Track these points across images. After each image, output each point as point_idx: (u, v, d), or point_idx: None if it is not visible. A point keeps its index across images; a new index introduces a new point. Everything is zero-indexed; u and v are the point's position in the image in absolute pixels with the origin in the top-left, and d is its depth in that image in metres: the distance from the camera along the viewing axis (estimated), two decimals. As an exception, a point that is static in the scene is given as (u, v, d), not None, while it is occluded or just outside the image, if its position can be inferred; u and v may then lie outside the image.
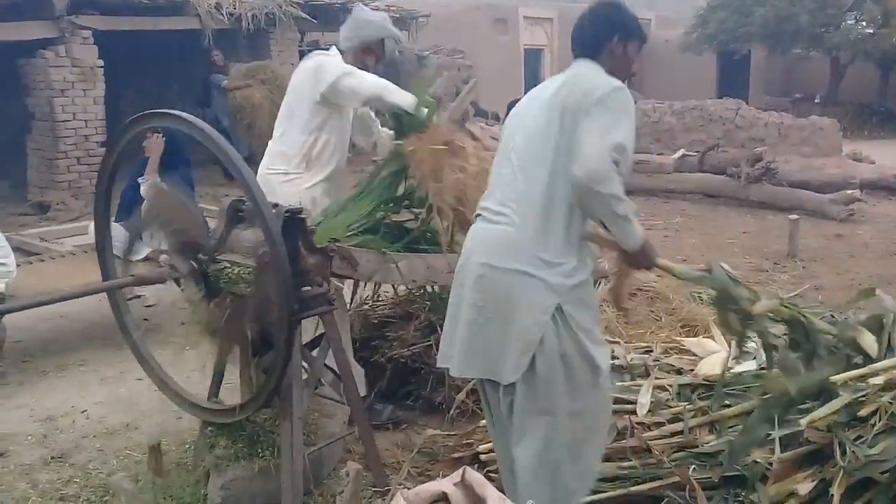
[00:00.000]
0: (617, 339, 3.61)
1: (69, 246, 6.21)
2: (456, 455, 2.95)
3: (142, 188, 4.88)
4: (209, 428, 2.87)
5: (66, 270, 4.86)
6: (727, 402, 2.82)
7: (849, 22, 16.59)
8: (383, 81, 3.37)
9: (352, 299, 3.62)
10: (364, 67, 3.49)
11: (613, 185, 2.13)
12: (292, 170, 3.51)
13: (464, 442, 3.01)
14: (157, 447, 2.97)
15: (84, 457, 3.15)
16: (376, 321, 3.55)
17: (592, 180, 2.12)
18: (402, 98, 3.31)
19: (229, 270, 2.76)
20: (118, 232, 4.62)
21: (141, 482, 2.90)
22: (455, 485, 1.89)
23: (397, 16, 12.64)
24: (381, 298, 3.69)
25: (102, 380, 3.93)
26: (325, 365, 2.97)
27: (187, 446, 3.07)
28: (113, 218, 4.19)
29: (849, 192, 8.14)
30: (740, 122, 11.11)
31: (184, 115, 2.69)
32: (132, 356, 3.05)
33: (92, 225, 6.22)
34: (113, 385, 3.84)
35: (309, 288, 2.70)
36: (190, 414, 3.01)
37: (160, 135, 4.84)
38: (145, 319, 4.39)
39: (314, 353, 2.95)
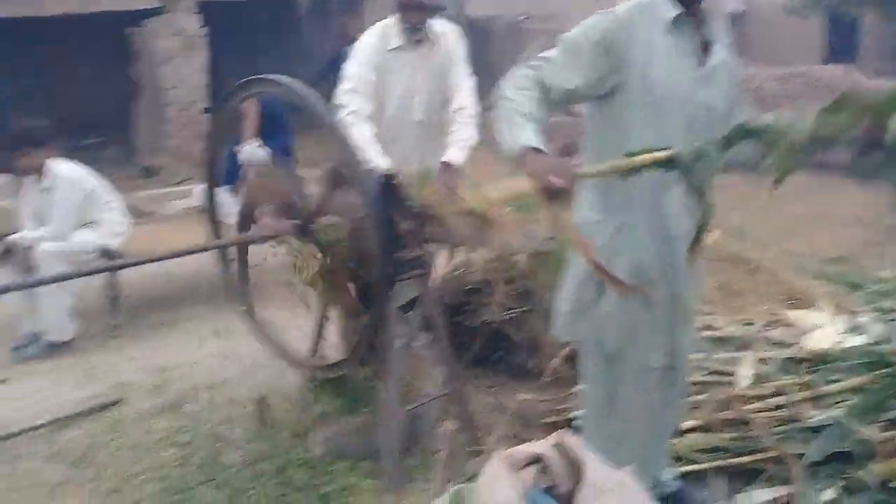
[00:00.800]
0: (715, 311, 3.53)
1: (175, 208, 6.53)
2: (549, 420, 2.97)
3: (241, 154, 5.03)
4: (312, 383, 2.97)
5: (172, 231, 5.10)
6: (834, 377, 2.73)
7: (971, -19, 15.38)
8: (346, 109, 3.27)
9: (448, 263, 3.65)
10: (413, 28, 3.36)
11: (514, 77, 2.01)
12: None
13: (557, 407, 3.02)
14: (263, 400, 3.11)
15: (195, 407, 3.31)
16: (469, 286, 3.57)
17: None
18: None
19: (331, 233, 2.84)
20: (221, 196, 4.82)
21: (249, 432, 3.04)
22: (552, 448, 1.90)
23: (490, -19, 12.48)
24: (474, 263, 3.70)
25: (210, 335, 4.10)
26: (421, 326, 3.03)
27: (291, 401, 3.19)
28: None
29: (970, 162, 7.62)
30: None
31: (285, 79, 2.76)
32: (240, 312, 3.19)
33: (196, 188, 6.52)
34: (220, 340, 3.99)
35: (404, 251, 2.76)
36: (293, 369, 3.13)
37: (255, 100, 4.96)
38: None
39: (410, 314, 3.01)
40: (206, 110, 8.38)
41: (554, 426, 2.83)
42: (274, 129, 5.10)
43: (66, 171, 4.36)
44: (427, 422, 3.04)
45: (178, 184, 7.71)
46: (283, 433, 3.00)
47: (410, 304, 3.09)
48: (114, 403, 3.37)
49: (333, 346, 3.14)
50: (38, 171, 4.28)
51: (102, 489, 2.78)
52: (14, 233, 4.30)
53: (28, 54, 9.59)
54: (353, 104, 3.33)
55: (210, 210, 3.37)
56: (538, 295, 3.30)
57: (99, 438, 3.10)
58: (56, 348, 4.15)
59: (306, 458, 2.87)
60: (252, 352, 3.43)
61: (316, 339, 3.04)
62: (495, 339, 3.43)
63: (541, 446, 1.93)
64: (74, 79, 9.81)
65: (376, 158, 3.21)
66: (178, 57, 8.59)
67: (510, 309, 3.36)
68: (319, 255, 2.93)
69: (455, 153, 3.42)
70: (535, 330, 3.29)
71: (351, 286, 2.95)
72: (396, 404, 2.75)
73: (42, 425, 3.18)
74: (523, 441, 2.81)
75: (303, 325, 3.14)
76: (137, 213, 5.99)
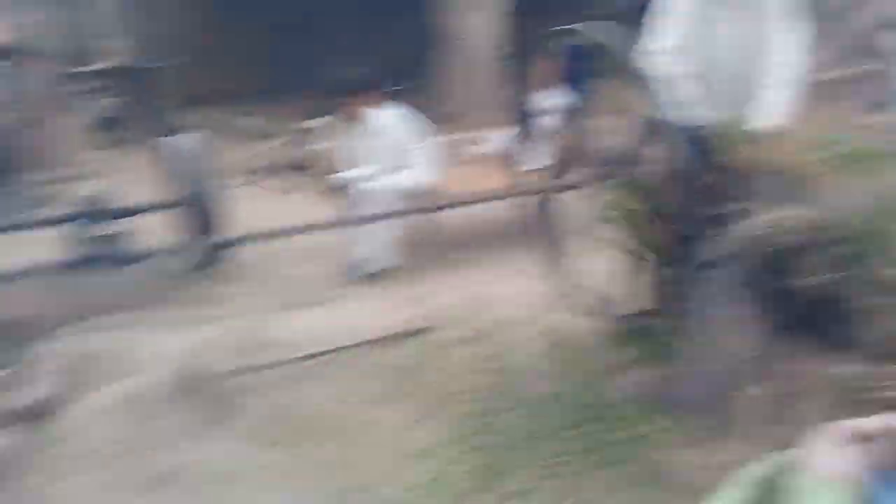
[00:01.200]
0: None
1: (472, 153, 6.86)
2: (875, 396, 2.73)
3: (540, 102, 5.15)
4: (614, 331, 3.02)
5: (471, 174, 5.38)
6: None
7: None
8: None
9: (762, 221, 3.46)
10: None
11: None
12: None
13: (886, 383, 2.77)
14: (562, 342, 3.22)
15: (502, 339, 3.50)
16: (787, 246, 3.36)
17: None
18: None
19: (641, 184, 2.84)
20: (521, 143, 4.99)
21: (550, 369, 3.18)
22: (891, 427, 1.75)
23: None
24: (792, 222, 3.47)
25: (515, 274, 4.23)
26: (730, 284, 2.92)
27: (591, 345, 3.27)
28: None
29: None
30: None
31: (595, 30, 2.80)
32: (539, 256, 3.31)
33: (493, 135, 6.79)
34: (524, 280, 4.07)
35: (713, 206, 2.67)
36: (593, 316, 3.19)
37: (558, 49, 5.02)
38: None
39: (719, 272, 2.91)
40: (506, 59, 8.59)
41: (880, 403, 2.61)
42: (575, 77, 5.14)
43: (384, 116, 4.76)
44: (733, 382, 2.95)
45: (476, 130, 8.06)
46: (582, 375, 3.08)
47: (719, 261, 2.99)
48: (430, 328, 3.67)
49: (635, 297, 3.15)
50: (359, 116, 4.72)
51: (420, 406, 3.07)
52: (337, 172, 4.79)
53: (344, 6, 10.52)
54: (664, 57, 3.24)
55: (513, 155, 3.51)
56: (868, 259, 3.02)
57: (416, 359, 3.41)
58: (378, 275, 4.61)
59: (604, 401, 2.93)
60: (554, 293, 3.54)
61: (619, 287, 3.07)
62: (815, 305, 3.21)
63: (876, 423, 1.79)
64: (380, 29, 10.54)
65: (688, 110, 3.12)
66: (477, 5, 8.86)
67: (833, 273, 3.11)
68: (627, 206, 2.95)
69: (770, 117, 3.22)
70: (862, 298, 3.02)
71: (657, 238, 2.93)
72: (702, 361, 2.71)
73: (367, 342, 3.56)
74: (839, 416, 2.64)
75: (606, 273, 3.18)
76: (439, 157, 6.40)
